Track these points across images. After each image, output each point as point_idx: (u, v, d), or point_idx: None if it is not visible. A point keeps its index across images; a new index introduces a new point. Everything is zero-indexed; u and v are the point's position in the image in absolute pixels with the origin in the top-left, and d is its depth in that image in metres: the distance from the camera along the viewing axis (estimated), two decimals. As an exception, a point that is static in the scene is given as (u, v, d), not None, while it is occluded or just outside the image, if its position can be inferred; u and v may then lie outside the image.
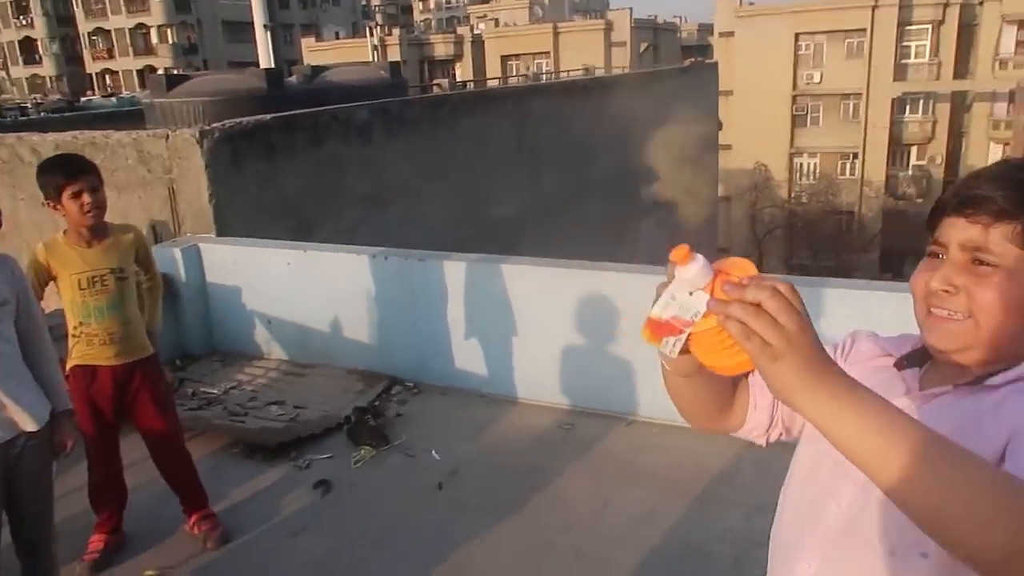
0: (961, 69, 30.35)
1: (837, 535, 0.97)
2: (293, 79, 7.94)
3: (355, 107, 6.38)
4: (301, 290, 4.69)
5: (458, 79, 34.88)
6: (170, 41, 46.67)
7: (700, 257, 0.81)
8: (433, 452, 3.76)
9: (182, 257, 4.86)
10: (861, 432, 0.73)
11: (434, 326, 4.36)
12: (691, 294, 0.82)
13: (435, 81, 11.32)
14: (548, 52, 35.74)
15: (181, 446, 3.11)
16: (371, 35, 22.09)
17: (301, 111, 6.11)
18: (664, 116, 13.92)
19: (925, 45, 30.64)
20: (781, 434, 1.17)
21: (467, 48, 38.89)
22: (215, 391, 4.42)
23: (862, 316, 3.41)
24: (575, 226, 10.59)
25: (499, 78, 31.49)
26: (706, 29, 39.66)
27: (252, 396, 4.37)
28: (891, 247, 31.60)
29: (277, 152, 6.06)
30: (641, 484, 3.41)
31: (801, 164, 33.56)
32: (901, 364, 1.02)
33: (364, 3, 57.00)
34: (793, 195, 33.32)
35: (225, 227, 5.63)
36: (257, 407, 4.22)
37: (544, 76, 17.59)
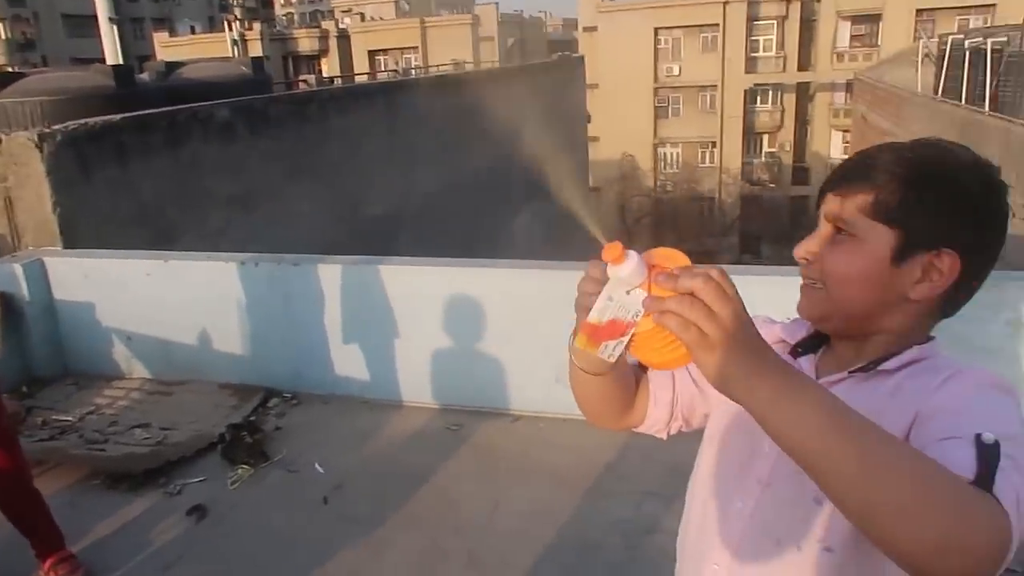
0: (804, 61, 32.59)
1: (744, 534, 0.97)
2: (145, 76, 7.40)
3: (216, 105, 6.02)
4: (163, 302, 4.37)
5: (325, 75, 33.93)
6: (2, 37, 42.65)
7: (633, 254, 0.78)
8: (316, 465, 3.61)
9: (24, 273, 4.43)
10: (797, 421, 0.70)
11: (311, 333, 4.19)
12: (628, 293, 0.78)
13: (301, 77, 10.92)
14: (416, 47, 35.40)
15: (27, 484, 2.81)
16: (230, 29, 20.88)
17: (156, 110, 5.69)
18: (535, 109, 14.10)
19: (772, 39, 32.68)
20: (681, 427, 1.17)
21: (333, 43, 37.86)
22: (69, 418, 4.05)
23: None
24: (452, 222, 10.53)
25: (368, 73, 30.89)
26: (571, 24, 40.51)
27: (112, 420, 4.04)
28: (749, 230, 33.56)
29: (130, 155, 5.63)
30: (531, 481, 3.41)
31: (665, 154, 34.99)
32: (795, 351, 1.02)
33: (220, -4, 54.21)
34: (658, 184, 34.70)
35: (74, 238, 5.18)
36: (119, 432, 3.90)
37: (413, 71, 17.39)
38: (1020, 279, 3.15)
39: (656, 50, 33.32)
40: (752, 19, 32.20)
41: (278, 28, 44.05)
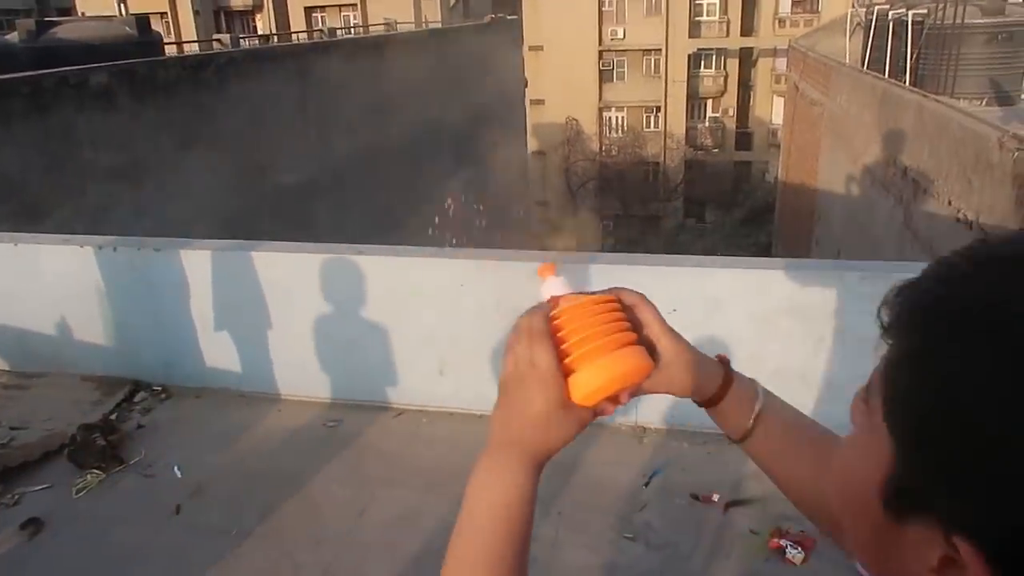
0: (747, 27, 32.57)
1: None
2: (14, 36, 6.78)
3: (91, 69, 5.54)
4: (16, 289, 4.02)
5: (259, 32, 32.62)
6: None
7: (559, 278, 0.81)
8: (175, 469, 3.36)
9: None
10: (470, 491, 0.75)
11: (181, 322, 3.89)
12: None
13: (216, 36, 10.34)
14: (355, 4, 34.19)
15: None
16: None
17: (16, 75, 5.19)
18: (468, 71, 13.69)
19: (715, 4, 32.54)
20: None
21: (268, -2, 36.32)
22: (-92, 417, 3.70)
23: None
24: (375, 191, 10.18)
25: (305, 32, 29.74)
26: (515, -17, 39.60)
27: (-42, 419, 3.71)
28: (693, 195, 33.79)
29: (-15, 122, 5.14)
30: (405, 482, 3.22)
31: (609, 118, 34.82)
32: None
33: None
34: (603, 148, 34.58)
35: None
36: (-38, 433, 3.58)
37: (343, 31, 16.74)
38: (909, 272, 3.05)
39: (600, 12, 32.90)
40: (696, -18, 31.97)
41: (210, -19, 41.97)
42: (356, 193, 9.71)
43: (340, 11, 34.39)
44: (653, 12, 32.53)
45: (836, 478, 0.57)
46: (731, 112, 34.47)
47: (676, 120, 33.81)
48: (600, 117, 34.45)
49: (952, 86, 7.07)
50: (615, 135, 34.94)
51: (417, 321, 3.65)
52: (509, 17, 15.88)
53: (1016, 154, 4.51)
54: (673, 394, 0.80)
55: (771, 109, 33.32)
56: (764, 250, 23.35)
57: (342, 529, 2.96)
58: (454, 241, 12.75)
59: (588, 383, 0.71)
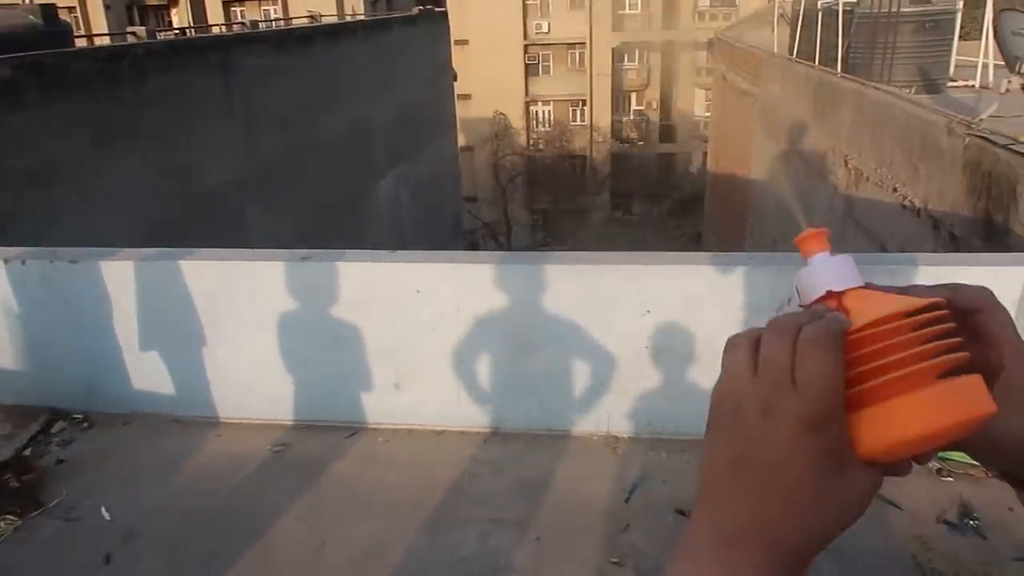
0: (669, 20, 33.05)
1: None
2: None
3: (-14, 62, 4.99)
4: (-94, 311, 3.54)
5: (175, 25, 31.31)
6: None
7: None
8: (103, 510, 2.98)
9: None
10: None
11: (103, 341, 3.49)
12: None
13: (130, 29, 9.68)
14: (274, -3, 33.16)
15: None
16: None
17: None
18: (396, 65, 13.30)
19: (637, -3, 32.94)
20: None
21: (180, -10, 34.89)
22: None
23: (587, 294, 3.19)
24: (306, 190, 9.74)
25: (225, 25, 28.64)
26: (437, -24, 39.18)
27: None
28: (619, 187, 34.11)
29: None
30: (366, 512, 2.94)
31: (537, 112, 34.85)
32: None
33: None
34: (531, 142, 34.57)
35: None
36: None
37: (265, 25, 16.06)
38: (888, 263, 2.95)
39: (524, 6, 32.85)
40: (618, -24, 32.27)
41: (116, -27, 40.04)
42: (287, 192, 9.27)
43: (260, 4, 33.28)
44: (577, 6, 32.67)
45: None
46: (655, 105, 34.95)
47: (602, 113, 34.09)
48: (527, 111, 34.42)
49: (889, 74, 7.16)
50: (543, 129, 34.99)
51: (370, 332, 3.36)
52: (438, 9, 15.55)
53: (967, 140, 4.54)
54: (1004, 460, 0.51)
55: (694, 101, 33.95)
56: (693, 241, 23.71)
57: (301, 568, 2.66)
58: (390, 242, 12.40)
59: (898, 428, 0.43)
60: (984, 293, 0.51)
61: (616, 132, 34.63)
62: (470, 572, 2.58)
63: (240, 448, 3.38)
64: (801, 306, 0.50)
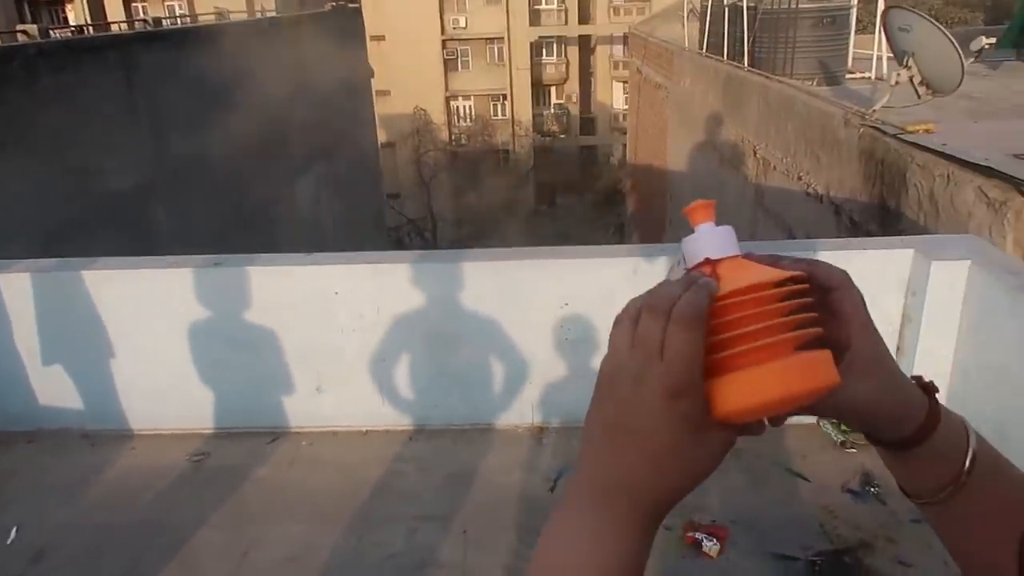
0: (584, 15, 33.51)
1: None
2: None
3: None
4: None
5: (71, 22, 29.88)
6: None
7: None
8: (13, 531, 2.85)
9: None
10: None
11: (2, 356, 3.33)
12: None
13: (20, 27, 9.17)
14: (179, -9, 32.01)
15: None
16: None
17: None
18: (310, 63, 13.05)
19: (553, -9, 33.27)
20: None
21: (77, -15, 33.31)
22: None
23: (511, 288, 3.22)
24: (220, 191, 9.46)
25: (125, 22, 27.47)
26: (351, -30, 38.59)
27: None
28: (543, 180, 34.41)
29: None
30: (291, 516, 2.91)
31: (458, 107, 34.80)
32: None
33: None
34: (453, 137, 34.50)
35: None
36: None
37: (169, 22, 15.51)
38: (790, 251, 3.08)
39: (441, 1, 32.70)
40: (532, -29, 32.52)
41: (6, -34, 37.88)
42: (198, 194, 8.99)
43: (164, 1, 32.08)
44: (493, 1, 32.74)
45: None
46: (574, 98, 35.40)
47: (523, 107, 34.32)
48: (448, 106, 34.34)
49: (792, 68, 7.46)
50: (464, 124, 34.97)
51: (288, 335, 3.31)
52: (351, 5, 15.32)
53: (861, 130, 4.79)
54: (851, 424, 0.58)
55: (612, 94, 34.52)
56: (618, 231, 24.14)
57: (223, 580, 2.61)
58: (310, 242, 12.20)
59: (749, 394, 0.48)
60: (841, 273, 0.57)
61: (538, 126, 34.91)
62: (398, 569, 2.59)
63: (156, 460, 3.28)
64: (685, 270, 0.55)
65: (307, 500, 2.99)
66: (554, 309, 3.19)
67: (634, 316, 0.50)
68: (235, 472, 3.18)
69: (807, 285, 0.54)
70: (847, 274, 0.57)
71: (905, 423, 0.57)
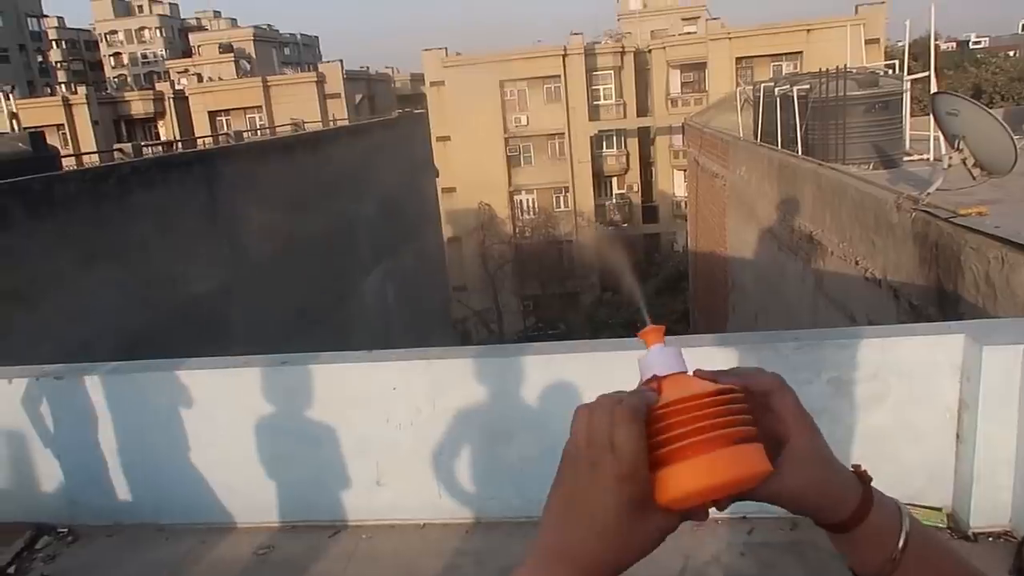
0: (642, 108, 34.37)
1: None
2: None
3: (-21, 189, 5.23)
4: None
5: (162, 138, 32.38)
6: None
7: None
8: (86, 624, 3.00)
9: None
10: None
11: (85, 453, 3.56)
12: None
13: (117, 146, 10.06)
14: (260, 106, 34.43)
15: None
16: (6, 100, 16.04)
17: None
18: (378, 166, 13.77)
19: (611, 88, 34.36)
20: None
21: (169, 105, 36.27)
22: None
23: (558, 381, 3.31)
24: (291, 290, 9.92)
25: (210, 136, 29.60)
26: (419, 78, 40.81)
27: None
28: (607, 269, 34.55)
29: None
30: (348, 610, 2.97)
31: (521, 201, 35.67)
32: None
33: (40, 60, 50.46)
34: (517, 230, 35.24)
35: None
36: None
37: (250, 134, 16.67)
38: (836, 338, 3.09)
39: (503, 101, 34.12)
40: (591, 70, 33.75)
41: (108, 91, 41.65)
42: (272, 294, 9.44)
43: (245, 113, 34.51)
44: (554, 99, 33.97)
45: None
46: (636, 188, 35.91)
47: (584, 198, 34.95)
48: (511, 200, 35.23)
49: (843, 153, 7.52)
50: (527, 216, 35.73)
51: (348, 430, 3.45)
52: (416, 111, 16.19)
53: (914, 214, 4.77)
54: (790, 509, 0.64)
55: (672, 182, 34.92)
56: (683, 317, 23.93)
57: (281, 674, 2.67)
58: (377, 335, 12.53)
59: (684, 482, 0.57)
60: (772, 378, 0.67)
61: (600, 215, 35.40)
62: (450, 666, 2.60)
63: (224, 554, 3.41)
64: (641, 383, 0.66)
65: (364, 594, 3.05)
66: (604, 401, 3.23)
67: (587, 412, 0.60)
68: (297, 566, 3.27)
69: (741, 394, 0.63)
70: (779, 377, 0.67)
71: (840, 507, 0.65)
